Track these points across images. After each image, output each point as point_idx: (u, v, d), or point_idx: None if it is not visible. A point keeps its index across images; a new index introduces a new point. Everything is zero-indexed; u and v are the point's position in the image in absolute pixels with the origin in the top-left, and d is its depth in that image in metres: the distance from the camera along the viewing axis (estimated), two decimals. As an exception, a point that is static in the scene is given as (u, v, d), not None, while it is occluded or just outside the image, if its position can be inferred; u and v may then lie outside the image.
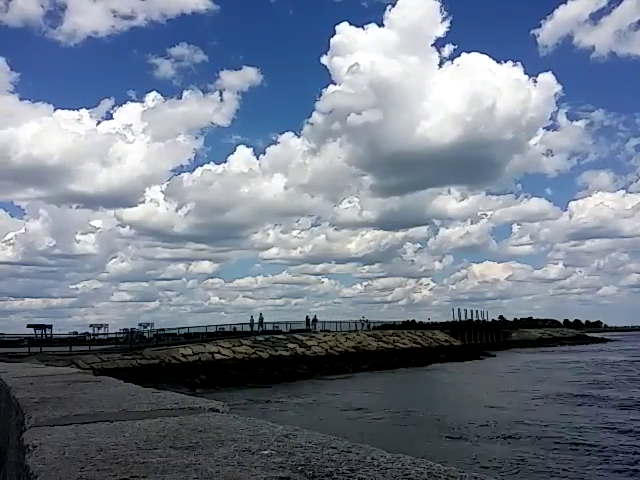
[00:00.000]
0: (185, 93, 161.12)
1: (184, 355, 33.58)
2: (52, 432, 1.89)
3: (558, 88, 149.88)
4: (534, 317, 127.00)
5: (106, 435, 1.81)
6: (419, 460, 1.41)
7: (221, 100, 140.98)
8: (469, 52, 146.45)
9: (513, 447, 14.87)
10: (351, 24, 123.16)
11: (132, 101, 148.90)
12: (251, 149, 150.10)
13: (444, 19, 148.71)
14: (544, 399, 24.24)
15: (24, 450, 1.69)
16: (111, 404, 2.66)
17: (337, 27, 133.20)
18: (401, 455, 1.47)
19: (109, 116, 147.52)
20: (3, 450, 3.56)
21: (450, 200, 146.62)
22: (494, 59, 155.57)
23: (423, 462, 1.40)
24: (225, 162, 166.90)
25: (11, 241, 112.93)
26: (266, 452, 1.51)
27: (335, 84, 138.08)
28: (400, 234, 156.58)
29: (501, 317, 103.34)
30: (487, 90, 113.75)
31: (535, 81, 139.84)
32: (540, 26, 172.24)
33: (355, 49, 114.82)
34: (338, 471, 1.32)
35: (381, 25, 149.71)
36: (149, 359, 31.37)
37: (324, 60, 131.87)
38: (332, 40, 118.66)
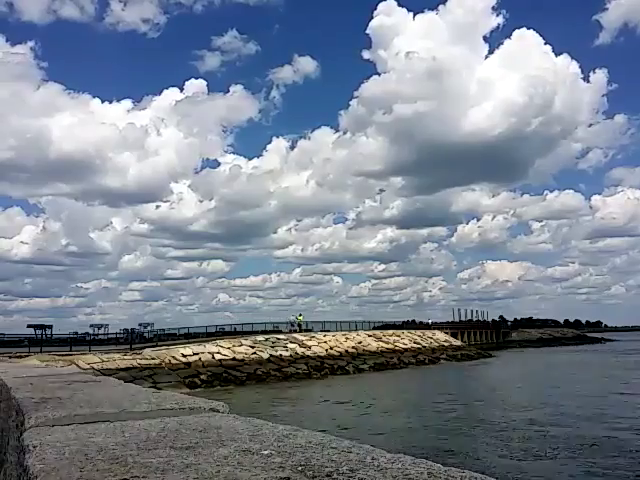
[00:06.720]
0: (231, 86, 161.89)
1: (184, 355, 33.56)
2: (52, 432, 1.90)
3: (611, 87, 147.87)
4: (539, 317, 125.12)
5: (106, 435, 1.81)
6: (419, 460, 1.42)
7: (267, 97, 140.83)
8: (510, 35, 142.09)
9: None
10: (400, 5, 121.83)
11: (169, 94, 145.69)
12: (286, 146, 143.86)
13: (500, 9, 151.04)
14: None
15: (24, 450, 1.69)
16: (111, 404, 2.66)
17: (379, 6, 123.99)
18: (401, 455, 1.47)
19: (143, 109, 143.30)
20: (3, 450, 3.57)
21: (478, 198, 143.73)
22: (550, 44, 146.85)
23: (423, 462, 1.40)
24: (257, 158, 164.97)
25: (27, 239, 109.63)
26: (266, 452, 1.52)
27: (379, 74, 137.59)
28: (423, 232, 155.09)
29: (501, 317, 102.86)
30: (538, 87, 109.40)
31: (589, 79, 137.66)
32: (605, 8, 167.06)
33: (397, 34, 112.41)
34: (338, 471, 1.32)
35: (433, 9, 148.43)
36: (149, 359, 31.37)
37: (366, 54, 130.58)
38: (371, 23, 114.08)
